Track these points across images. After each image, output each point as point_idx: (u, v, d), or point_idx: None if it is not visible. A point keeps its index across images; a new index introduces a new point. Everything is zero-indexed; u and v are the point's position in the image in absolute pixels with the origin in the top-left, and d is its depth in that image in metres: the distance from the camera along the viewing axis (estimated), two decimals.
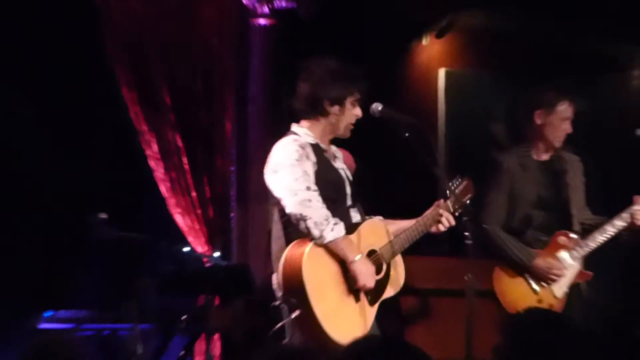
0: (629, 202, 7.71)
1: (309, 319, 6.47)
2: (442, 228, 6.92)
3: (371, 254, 6.75)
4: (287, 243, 6.63)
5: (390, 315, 8.66)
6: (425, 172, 7.06)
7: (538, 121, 7.74)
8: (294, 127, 6.86)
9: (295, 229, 6.56)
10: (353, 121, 6.90)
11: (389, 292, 6.86)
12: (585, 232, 7.72)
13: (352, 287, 6.60)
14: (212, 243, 10.25)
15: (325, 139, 6.89)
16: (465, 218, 6.96)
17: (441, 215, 6.89)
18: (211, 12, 10.44)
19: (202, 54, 10.41)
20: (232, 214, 10.51)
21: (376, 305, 6.77)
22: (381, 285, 6.78)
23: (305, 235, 6.51)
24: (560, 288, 7.63)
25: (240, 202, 10.48)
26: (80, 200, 9.86)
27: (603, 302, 8.20)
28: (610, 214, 7.75)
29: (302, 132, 6.83)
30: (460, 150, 9.67)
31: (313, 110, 6.85)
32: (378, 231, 6.86)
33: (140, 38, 10.17)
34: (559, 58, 11.67)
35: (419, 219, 6.96)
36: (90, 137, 10.38)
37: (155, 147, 10.15)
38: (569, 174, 7.84)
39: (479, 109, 11.79)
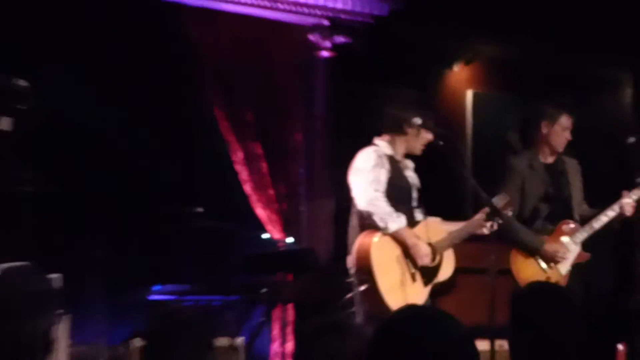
0: (618, 197, 7.80)
1: (373, 292, 6.81)
2: (485, 232, 7.15)
3: (429, 245, 7.04)
4: (361, 231, 6.94)
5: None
6: (454, 174, 7.39)
7: (544, 130, 7.83)
8: (377, 140, 7.17)
9: (367, 221, 6.90)
10: (425, 143, 7.15)
11: (441, 277, 7.15)
12: (583, 221, 7.79)
13: (411, 269, 6.92)
14: (285, 231, 10.28)
15: (400, 153, 7.16)
16: (489, 209, 7.16)
17: (484, 224, 7.15)
18: (285, 47, 10.46)
19: (277, 80, 10.39)
20: (301, 208, 10.48)
21: (429, 286, 7.06)
22: (434, 270, 7.09)
23: (375, 227, 6.86)
24: (564, 267, 7.69)
25: (308, 198, 10.46)
26: (183, 196, 10.07)
27: (599, 278, 8.24)
28: (602, 206, 7.82)
29: (383, 145, 7.15)
30: (485, 158, 9.83)
31: (395, 129, 7.16)
32: (435, 228, 7.15)
33: (229, 67, 10.17)
34: (563, 81, 11.86)
35: (469, 222, 7.22)
36: (191, 147, 10.48)
37: (240, 155, 10.22)
38: (570, 174, 7.92)
39: (500, 124, 11.79)
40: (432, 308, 2.59)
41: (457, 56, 11.87)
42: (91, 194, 9.76)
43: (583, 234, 7.84)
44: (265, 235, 10.20)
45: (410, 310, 2.71)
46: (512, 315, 3.98)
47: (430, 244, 7.09)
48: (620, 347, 8.61)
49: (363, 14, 10.53)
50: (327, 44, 10.56)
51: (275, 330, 10.20)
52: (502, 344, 5.70)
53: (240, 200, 10.39)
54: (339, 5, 10.40)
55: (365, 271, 6.87)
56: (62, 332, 7.96)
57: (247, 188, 10.33)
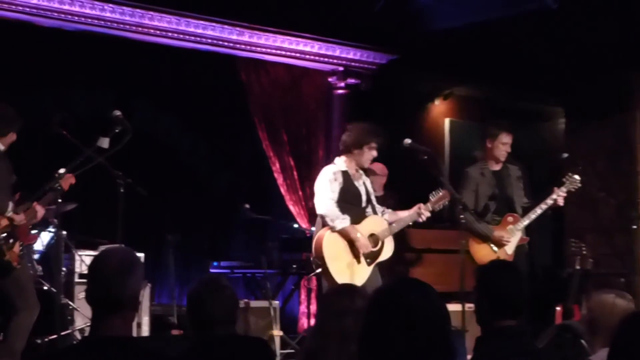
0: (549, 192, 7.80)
1: (327, 273, 7.00)
2: (422, 219, 7.23)
3: (372, 235, 7.11)
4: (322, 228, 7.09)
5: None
6: (433, 180, 7.41)
7: (488, 145, 7.77)
8: (336, 159, 7.29)
9: (324, 221, 7.06)
10: (370, 159, 7.19)
11: (382, 257, 7.20)
12: (525, 212, 7.71)
13: (355, 254, 7.00)
14: (310, 222, 9.97)
15: (352, 167, 7.18)
16: (460, 207, 7.18)
17: (421, 213, 7.20)
18: (311, 86, 10.47)
19: (305, 111, 10.41)
20: None
21: (372, 265, 7.11)
22: (377, 253, 7.15)
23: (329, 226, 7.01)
24: (510, 248, 7.62)
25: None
26: (235, 195, 10.15)
27: (541, 255, 8.22)
28: (537, 199, 7.81)
29: (339, 162, 7.23)
30: (459, 170, 9.81)
31: (345, 150, 7.24)
32: (377, 222, 7.19)
33: (269, 101, 10.16)
34: (513, 112, 11.88)
35: (407, 214, 7.23)
36: (241, 160, 10.65)
37: (277, 165, 10.16)
38: (512, 177, 7.80)
39: (470, 143, 11.78)
40: (413, 279, 2.57)
41: (437, 93, 11.87)
42: (167, 193, 9.85)
43: (523, 222, 7.72)
44: (295, 225, 10.09)
45: (397, 282, 2.65)
46: (477, 284, 3.91)
47: (373, 234, 7.11)
48: (558, 308, 8.65)
49: (368, 62, 10.49)
50: (342, 84, 10.47)
51: (303, 296, 10.18)
52: (470, 306, 5.71)
53: (277, 198, 10.32)
54: (351, 56, 10.35)
55: (320, 258, 7.03)
56: (145, 296, 8.05)
57: (282, 190, 10.26)
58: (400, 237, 8.16)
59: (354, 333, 3.06)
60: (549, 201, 7.73)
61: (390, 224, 7.23)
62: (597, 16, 9.17)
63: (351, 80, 10.49)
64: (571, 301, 8.58)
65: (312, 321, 9.57)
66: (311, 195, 10.14)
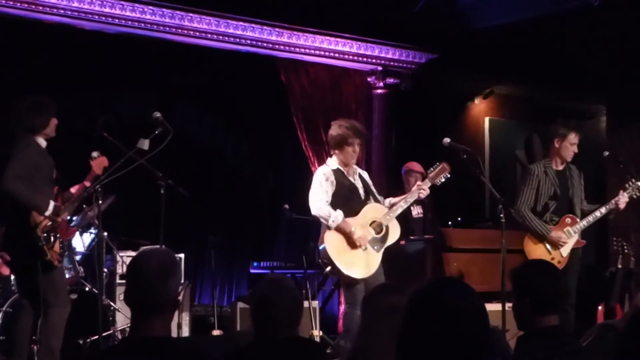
0: (600, 195, 8.00)
1: (336, 269, 6.98)
2: (422, 196, 7.22)
3: (374, 222, 7.06)
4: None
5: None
6: (473, 179, 7.36)
7: (556, 145, 7.63)
8: (328, 159, 7.31)
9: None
10: (353, 156, 7.14)
11: (389, 242, 7.13)
12: (583, 215, 7.63)
13: (355, 246, 6.97)
14: None
15: (342, 165, 7.15)
16: (500, 206, 7.13)
17: (421, 189, 7.16)
18: (350, 86, 10.49)
19: (345, 111, 10.23)
20: None
21: (381, 252, 7.07)
22: (383, 239, 7.08)
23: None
24: (565, 250, 7.52)
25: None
26: (276, 195, 10.21)
27: (585, 254, 8.09)
28: (597, 203, 7.77)
29: (330, 162, 7.22)
30: (499, 169, 9.80)
31: (331, 150, 7.27)
32: (376, 208, 7.14)
33: (309, 101, 10.19)
34: (555, 111, 11.82)
35: (407, 195, 7.23)
36: (283, 161, 10.65)
37: (317, 165, 9.87)
38: (574, 179, 7.71)
39: (510, 142, 11.89)
40: (451, 278, 2.52)
41: (477, 92, 11.85)
42: (208, 194, 9.89)
43: (581, 225, 7.63)
44: None
45: (435, 281, 2.61)
46: (515, 284, 3.88)
47: (374, 221, 7.08)
48: (600, 307, 8.57)
49: (407, 61, 10.49)
50: (381, 84, 10.48)
51: (342, 296, 10.13)
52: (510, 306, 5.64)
53: None
54: (390, 55, 10.36)
55: (325, 257, 7.03)
56: (186, 296, 8.07)
57: None
58: (442, 238, 8.10)
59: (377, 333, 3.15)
60: (610, 205, 7.69)
61: (390, 207, 7.18)
62: (638, 12, 9.08)
63: (390, 80, 10.50)
64: (613, 300, 8.50)
65: None
66: None
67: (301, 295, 4.10)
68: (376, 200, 7.26)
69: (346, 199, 7.09)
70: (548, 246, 7.58)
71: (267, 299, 3.94)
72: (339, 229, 7.00)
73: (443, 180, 7.31)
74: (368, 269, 6.97)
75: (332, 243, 7.01)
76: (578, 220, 7.66)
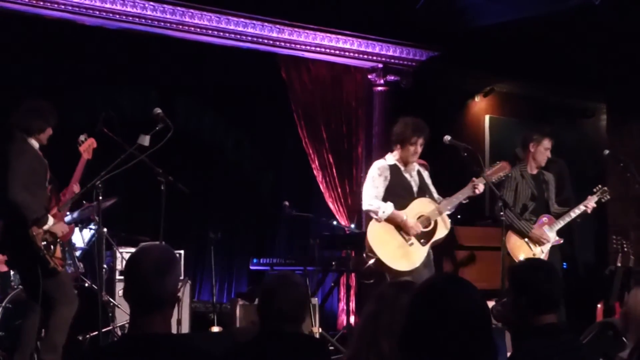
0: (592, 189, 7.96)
1: (381, 263, 6.91)
2: (477, 192, 7.13)
3: (421, 216, 7.01)
4: None
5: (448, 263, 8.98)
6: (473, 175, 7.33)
7: (531, 149, 7.86)
8: (388, 153, 7.20)
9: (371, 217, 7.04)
10: (414, 154, 7.04)
11: (437, 236, 7.10)
12: (556, 217, 7.83)
13: (406, 236, 6.94)
14: (350, 219, 10.20)
15: (401, 161, 7.10)
16: (500, 204, 7.25)
17: (476, 186, 7.08)
18: (351, 84, 10.50)
19: (345, 108, 10.43)
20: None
21: (428, 245, 7.04)
22: (430, 233, 7.05)
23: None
24: (546, 247, 7.73)
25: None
26: (277, 192, 10.13)
27: (581, 252, 8.14)
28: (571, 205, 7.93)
29: (389, 157, 7.16)
30: None
31: (393, 145, 7.18)
32: (425, 203, 7.09)
33: (310, 98, 10.20)
34: (555, 109, 11.87)
35: (458, 193, 7.15)
36: (280, 157, 10.61)
37: (316, 162, 10.18)
38: (548, 183, 7.94)
39: (509, 140, 11.78)
40: (454, 276, 2.50)
41: (478, 90, 11.81)
42: (208, 190, 9.85)
43: (558, 225, 7.83)
44: (334, 222, 9.99)
45: (438, 279, 2.66)
46: (512, 282, 3.86)
47: (422, 215, 7.03)
48: (599, 305, 8.57)
49: (408, 59, 10.49)
50: (381, 81, 10.48)
51: (342, 293, 10.20)
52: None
53: (318, 196, 10.35)
54: (390, 53, 10.35)
55: (369, 249, 6.98)
56: (185, 293, 8.04)
57: (322, 187, 10.27)
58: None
59: (387, 329, 3.06)
60: (577, 210, 7.88)
61: (439, 202, 7.14)
62: (638, 11, 9.06)
63: (391, 77, 10.50)
64: (613, 299, 8.51)
65: (352, 318, 9.57)
66: (350, 192, 10.27)
67: (308, 292, 4.07)
68: (432, 199, 7.20)
69: (397, 195, 7.05)
70: (529, 243, 7.76)
71: (274, 292, 3.95)
72: (390, 220, 6.95)
73: (502, 178, 7.43)
74: (413, 262, 6.93)
75: (374, 234, 6.99)
76: (555, 219, 7.86)
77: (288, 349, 3.90)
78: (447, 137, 7.14)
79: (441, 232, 7.12)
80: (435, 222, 7.07)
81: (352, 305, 9.77)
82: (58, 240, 6.33)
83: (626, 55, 10.26)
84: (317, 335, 8.10)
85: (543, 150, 7.88)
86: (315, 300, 8.46)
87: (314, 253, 9.16)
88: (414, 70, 10.55)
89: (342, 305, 10.16)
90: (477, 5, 9.77)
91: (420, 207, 7.08)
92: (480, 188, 7.14)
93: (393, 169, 7.08)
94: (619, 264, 8.76)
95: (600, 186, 7.98)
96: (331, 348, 8.18)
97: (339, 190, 10.30)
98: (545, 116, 11.49)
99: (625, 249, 8.81)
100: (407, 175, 7.14)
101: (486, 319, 2.50)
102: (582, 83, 11.29)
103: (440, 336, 2.43)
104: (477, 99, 11.86)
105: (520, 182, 7.85)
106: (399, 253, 6.93)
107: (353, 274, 9.72)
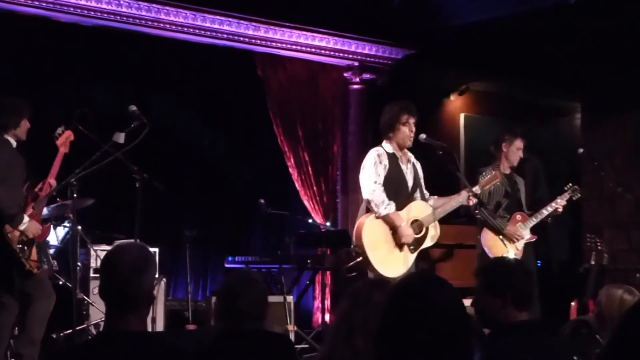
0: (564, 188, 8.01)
1: (367, 263, 6.65)
2: (470, 203, 7.02)
3: (415, 221, 6.79)
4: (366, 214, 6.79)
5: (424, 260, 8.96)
6: (449, 174, 7.35)
7: (504, 149, 7.88)
8: (383, 142, 6.91)
9: (369, 206, 6.73)
10: (409, 135, 6.81)
11: (426, 244, 6.88)
12: (529, 214, 7.86)
13: (397, 242, 6.67)
14: (325, 217, 10.23)
15: (397, 149, 6.85)
16: (476, 202, 7.15)
17: (469, 196, 6.96)
18: (327, 82, 10.51)
19: (321, 106, 10.43)
20: (337, 200, 10.44)
21: (416, 253, 6.79)
22: (421, 240, 6.81)
23: (373, 212, 6.69)
24: (520, 244, 7.74)
25: (343, 193, 10.41)
26: (252, 190, 10.09)
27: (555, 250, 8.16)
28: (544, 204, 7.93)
29: (385, 145, 6.86)
30: (474, 164, 9.79)
31: (384, 135, 6.92)
32: (422, 207, 6.86)
33: (286, 96, 10.20)
34: (530, 108, 11.92)
35: (453, 197, 6.96)
36: (256, 154, 10.59)
37: (292, 160, 10.18)
38: (519, 185, 7.97)
39: (484, 138, 11.81)
40: (431, 275, 2.50)
41: (453, 88, 11.84)
42: (184, 188, 9.83)
43: (531, 222, 7.85)
44: (310, 220, 10.02)
45: (413, 277, 2.68)
46: (484, 281, 3.87)
47: (416, 220, 6.81)
48: (573, 303, 8.62)
49: (384, 57, 10.51)
50: (357, 79, 10.49)
51: (317, 291, 10.21)
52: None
53: (292, 194, 10.34)
54: (366, 51, 10.36)
55: (360, 246, 6.68)
56: (160, 291, 8.02)
57: (297, 185, 10.27)
58: None
59: (362, 327, 3.07)
60: (550, 208, 7.90)
61: (435, 209, 6.95)
62: (613, 11, 9.12)
63: (367, 76, 10.51)
64: (587, 296, 8.55)
65: (327, 316, 9.59)
66: (326, 190, 10.27)
67: (267, 288, 4.07)
68: (422, 196, 7.01)
69: (393, 190, 6.78)
70: (504, 240, 7.76)
71: (232, 292, 3.94)
72: (386, 220, 6.69)
73: (492, 188, 7.39)
74: (400, 269, 6.68)
75: (370, 232, 6.67)
76: (528, 217, 7.87)
77: (251, 347, 3.90)
78: (423, 136, 7.03)
79: (430, 240, 6.95)
80: (427, 229, 6.90)
81: (327, 303, 9.80)
82: (34, 241, 6.29)
83: (601, 54, 10.30)
84: (293, 333, 8.11)
85: (515, 150, 7.91)
86: (290, 298, 8.43)
87: (290, 251, 9.20)
88: (390, 68, 10.56)
89: (317, 303, 10.17)
90: (453, 3, 9.79)
91: (416, 211, 6.86)
92: (473, 200, 7.04)
93: (391, 157, 6.83)
94: (592, 262, 8.81)
95: (570, 184, 8.02)
96: (306, 346, 8.26)
97: (315, 188, 10.32)
98: (520, 115, 11.54)
99: (599, 247, 8.86)
100: (403, 167, 6.90)
101: (462, 317, 2.50)
102: (557, 82, 11.32)
103: (417, 335, 2.43)
104: (452, 97, 11.89)
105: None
106: (389, 259, 6.69)
107: (328, 272, 9.73)
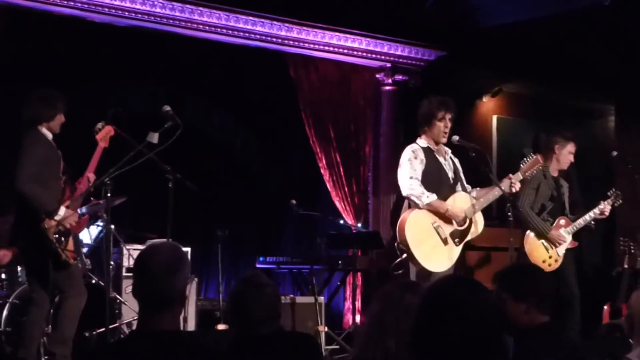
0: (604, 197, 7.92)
1: (412, 259, 6.54)
2: (514, 190, 6.88)
3: None
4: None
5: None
6: (481, 176, 7.31)
7: (556, 151, 7.79)
8: (418, 138, 6.84)
9: (410, 202, 6.66)
10: (444, 130, 6.71)
11: (471, 235, 6.80)
12: (572, 219, 7.80)
13: (443, 235, 6.59)
14: (357, 218, 10.22)
15: (432, 143, 6.77)
16: (508, 205, 7.10)
17: (512, 183, 6.84)
18: (359, 83, 10.50)
19: (353, 107, 10.43)
20: (369, 201, 10.43)
21: (461, 246, 6.71)
22: (465, 232, 6.72)
23: (416, 205, 6.60)
24: (561, 249, 7.67)
25: (374, 194, 10.42)
26: (284, 191, 10.04)
27: (592, 255, 8.12)
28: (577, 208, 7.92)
29: (420, 141, 6.78)
30: (507, 166, 9.78)
31: (421, 129, 6.84)
32: (464, 199, 6.75)
33: (318, 97, 10.21)
34: (563, 110, 11.85)
35: (494, 187, 6.82)
36: (291, 156, 10.65)
37: (324, 161, 10.18)
38: (564, 187, 7.90)
39: (517, 140, 11.82)
40: (465, 277, 2.49)
41: (486, 90, 11.79)
42: (216, 188, 9.86)
43: (574, 227, 7.79)
44: (341, 221, 9.98)
45: (449, 280, 2.64)
46: (510, 286, 3.86)
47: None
48: (605, 307, 8.57)
49: (416, 58, 10.51)
50: (390, 81, 10.50)
51: (348, 292, 10.19)
52: None
53: (323, 194, 10.35)
54: (399, 52, 10.36)
55: (403, 242, 6.57)
56: (192, 290, 8.04)
57: (329, 186, 10.26)
58: None
59: (393, 329, 3.06)
60: (592, 214, 7.85)
61: (477, 200, 6.82)
62: None
63: (399, 77, 10.52)
64: (620, 300, 8.50)
65: (358, 317, 9.58)
66: (357, 191, 10.27)
67: (276, 287, 4.05)
68: (464, 188, 6.90)
69: (435, 181, 6.70)
70: (546, 244, 7.71)
71: (242, 300, 3.92)
72: (431, 208, 6.61)
73: (535, 173, 7.23)
74: (445, 263, 6.61)
75: (414, 228, 6.57)
76: (571, 222, 7.82)
77: (270, 348, 3.89)
78: (456, 137, 6.93)
79: (475, 231, 6.85)
80: (470, 221, 6.79)
81: (358, 304, 9.77)
82: (71, 232, 6.32)
83: (635, 56, 10.24)
84: (323, 334, 8.11)
85: (567, 153, 7.84)
86: (321, 299, 8.42)
87: (321, 252, 9.15)
88: (422, 69, 10.56)
89: (348, 304, 10.17)
90: (486, 5, 9.77)
91: (459, 203, 6.75)
92: (517, 186, 6.92)
93: (427, 151, 6.73)
94: (626, 266, 8.76)
95: (614, 190, 7.95)
96: (337, 347, 8.26)
97: (346, 189, 10.30)
98: (553, 117, 11.48)
99: (633, 251, 8.80)
100: (441, 160, 6.82)
101: (498, 320, 2.49)
102: (591, 84, 11.26)
103: (452, 338, 2.41)
104: (485, 99, 11.84)
105: (542, 182, 7.78)
106: (434, 253, 6.59)
107: (359, 273, 9.70)
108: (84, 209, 6.98)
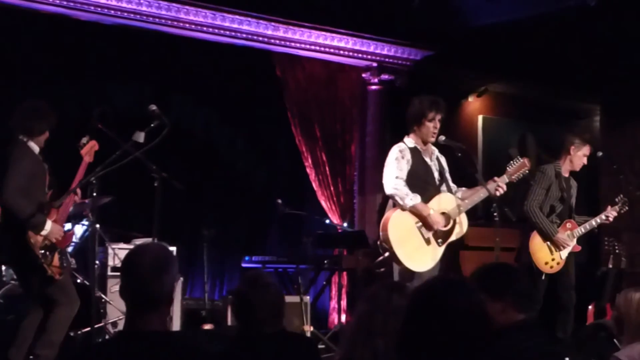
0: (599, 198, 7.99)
1: (394, 258, 6.56)
2: (498, 193, 6.83)
3: (443, 213, 6.67)
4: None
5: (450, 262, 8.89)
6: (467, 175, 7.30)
7: (572, 152, 7.78)
8: (405, 137, 6.84)
9: (394, 201, 6.66)
10: (432, 131, 6.72)
11: (454, 237, 6.77)
12: (578, 223, 7.80)
13: (425, 235, 6.59)
14: (342, 217, 10.23)
15: (420, 143, 6.78)
16: (494, 204, 6.96)
17: (497, 187, 6.82)
18: (345, 82, 10.51)
19: (339, 106, 10.42)
20: (354, 201, 10.43)
21: (444, 246, 6.70)
22: (448, 233, 6.70)
23: (399, 206, 6.60)
24: (565, 252, 7.69)
25: (360, 194, 10.43)
26: (270, 190, 10.10)
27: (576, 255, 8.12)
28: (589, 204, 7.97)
29: (407, 140, 6.78)
30: (492, 165, 9.78)
31: (409, 128, 6.84)
32: (449, 199, 6.75)
33: (304, 96, 10.21)
34: (549, 110, 11.88)
35: (480, 189, 6.82)
36: (278, 155, 10.62)
37: (310, 160, 10.18)
38: (573, 189, 7.92)
39: (502, 140, 11.86)
40: (452, 278, 2.52)
41: (471, 90, 11.81)
42: (202, 188, 9.84)
43: (580, 231, 7.80)
44: (327, 220, 9.99)
45: (436, 281, 2.66)
46: (494, 284, 3.82)
47: (444, 212, 6.70)
48: (590, 307, 8.61)
49: (402, 58, 10.51)
50: (376, 80, 10.50)
51: (334, 292, 10.19)
52: None
53: (309, 194, 10.34)
54: (385, 52, 10.36)
55: (386, 241, 6.58)
56: (177, 290, 8.02)
57: (314, 185, 10.27)
58: None
59: (381, 329, 3.09)
60: (599, 219, 7.90)
61: (462, 200, 6.82)
62: (633, 12, 9.08)
63: (385, 76, 10.52)
64: (604, 300, 8.54)
65: (343, 317, 9.59)
66: (343, 191, 10.27)
67: (280, 287, 4.07)
68: (449, 189, 6.90)
69: (421, 181, 6.70)
70: (551, 246, 7.70)
71: (246, 300, 3.96)
72: (413, 211, 6.60)
73: (521, 177, 7.15)
74: (428, 263, 6.61)
75: (397, 227, 6.58)
76: (577, 226, 7.81)
77: (272, 348, 3.92)
78: (442, 137, 6.93)
79: (458, 233, 6.84)
80: (454, 222, 6.80)
81: (344, 303, 9.79)
82: (57, 247, 6.31)
83: (620, 56, 10.27)
84: (309, 334, 8.08)
85: (581, 155, 7.83)
86: (307, 299, 8.42)
87: (307, 251, 9.14)
88: (408, 69, 10.56)
89: (333, 303, 10.17)
90: (472, 5, 9.78)
91: (443, 203, 6.75)
92: (502, 189, 6.90)
93: (413, 151, 6.74)
94: (610, 266, 8.80)
95: (621, 196, 7.96)
96: (322, 346, 8.23)
97: (332, 188, 10.31)
98: (538, 117, 11.52)
99: (617, 251, 8.84)
100: (427, 160, 6.83)
101: (484, 320, 2.51)
102: (576, 84, 11.29)
103: (440, 338, 2.43)
104: (470, 99, 11.86)
105: (553, 183, 7.79)
106: (417, 254, 6.61)
107: (345, 273, 9.73)
108: (69, 225, 6.97)
